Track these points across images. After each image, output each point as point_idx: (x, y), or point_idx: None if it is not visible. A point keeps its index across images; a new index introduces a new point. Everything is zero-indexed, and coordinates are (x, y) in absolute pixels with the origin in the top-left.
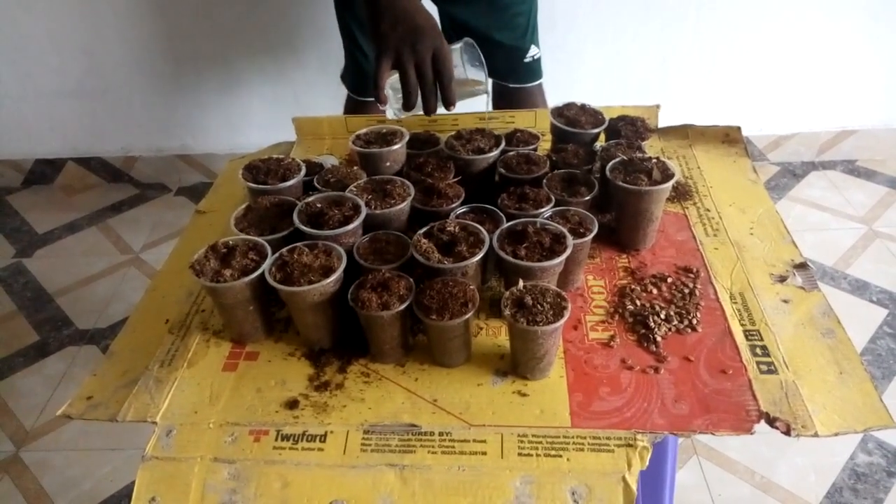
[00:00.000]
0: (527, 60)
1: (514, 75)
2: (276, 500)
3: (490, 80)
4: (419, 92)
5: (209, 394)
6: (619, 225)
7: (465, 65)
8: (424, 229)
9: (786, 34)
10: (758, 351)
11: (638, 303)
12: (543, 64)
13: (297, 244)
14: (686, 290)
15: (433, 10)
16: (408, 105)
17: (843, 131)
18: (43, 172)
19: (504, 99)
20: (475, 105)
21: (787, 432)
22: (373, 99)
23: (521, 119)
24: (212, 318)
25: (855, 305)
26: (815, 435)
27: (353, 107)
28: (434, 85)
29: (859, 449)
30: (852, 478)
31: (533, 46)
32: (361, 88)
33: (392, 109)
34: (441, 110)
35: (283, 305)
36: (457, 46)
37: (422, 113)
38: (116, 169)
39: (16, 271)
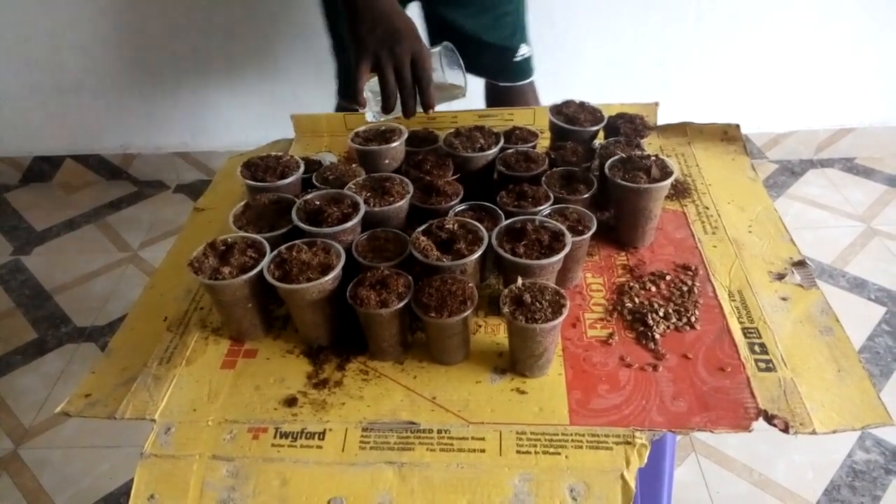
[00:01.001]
0: (517, 59)
1: (504, 74)
2: (274, 498)
3: (467, 84)
4: (398, 95)
5: (208, 391)
6: (618, 223)
7: (444, 68)
8: (423, 227)
9: (784, 32)
10: (756, 348)
11: (636, 300)
12: (543, 62)
13: (296, 242)
14: (685, 288)
15: (420, 12)
16: (386, 108)
17: (841, 129)
18: (41, 170)
19: (496, 98)
20: (461, 104)
21: (786, 430)
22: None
23: (519, 117)
24: (210, 315)
25: (853, 303)
26: (814, 432)
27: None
28: (413, 88)
29: (857, 446)
30: (850, 475)
31: (523, 45)
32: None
33: (371, 112)
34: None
35: (281, 303)
36: (436, 50)
37: (401, 115)
38: (115, 166)
39: (14, 269)
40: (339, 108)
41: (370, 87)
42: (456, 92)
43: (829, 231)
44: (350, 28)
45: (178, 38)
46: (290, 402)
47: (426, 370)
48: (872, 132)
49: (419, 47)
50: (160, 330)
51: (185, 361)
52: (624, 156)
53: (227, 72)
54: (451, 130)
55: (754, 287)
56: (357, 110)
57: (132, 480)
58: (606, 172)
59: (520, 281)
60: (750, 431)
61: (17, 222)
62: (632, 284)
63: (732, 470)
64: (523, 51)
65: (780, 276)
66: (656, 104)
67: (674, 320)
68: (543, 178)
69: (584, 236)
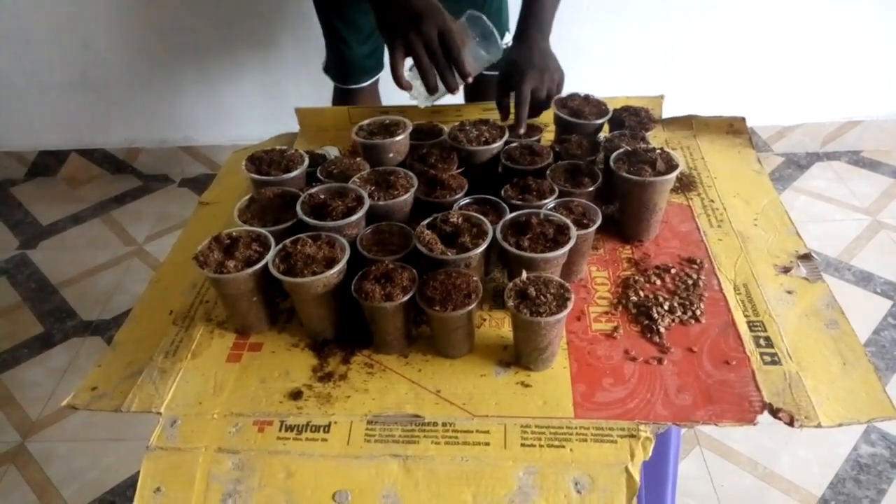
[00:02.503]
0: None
1: None
2: (279, 491)
3: (501, 45)
4: (436, 72)
5: (213, 384)
6: (623, 216)
7: (474, 36)
8: (428, 220)
9: (791, 24)
10: (761, 342)
11: (641, 294)
12: None
13: (301, 235)
14: (689, 281)
15: None
16: (428, 86)
17: (848, 122)
18: (47, 164)
19: (477, 87)
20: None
21: (791, 423)
22: (358, 86)
23: None
24: (216, 309)
25: (859, 296)
26: (819, 426)
27: (340, 96)
28: (447, 61)
29: (862, 440)
30: (855, 469)
31: (507, 34)
32: (347, 76)
33: (420, 97)
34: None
35: (286, 296)
36: (461, 21)
37: (449, 94)
38: (120, 161)
39: (20, 263)
40: (335, 95)
41: (410, 72)
42: (489, 56)
43: (835, 224)
44: (377, 20)
45: (183, 32)
46: (296, 395)
47: (431, 363)
48: (879, 125)
49: (443, 21)
50: (166, 323)
51: (190, 355)
52: (629, 149)
53: (231, 66)
54: (456, 124)
55: (760, 280)
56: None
57: (138, 473)
58: (611, 165)
59: (524, 274)
60: (755, 425)
61: (22, 216)
62: (637, 278)
63: (737, 463)
64: (506, 39)
65: (786, 270)
66: (662, 97)
67: (679, 314)
68: (548, 172)
69: (589, 230)
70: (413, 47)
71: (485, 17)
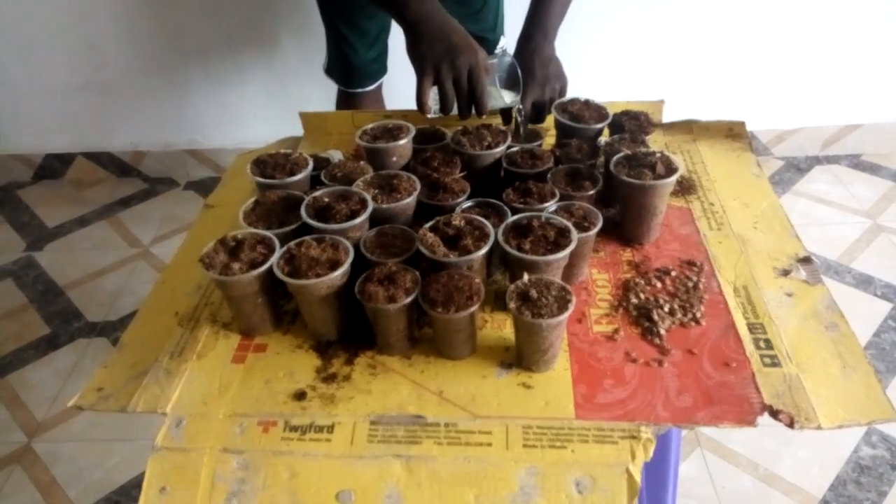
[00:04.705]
0: (497, 52)
1: None
2: (283, 491)
3: (521, 91)
4: (455, 102)
5: (218, 385)
6: (624, 219)
7: (499, 76)
8: (430, 223)
9: (790, 28)
10: (761, 344)
11: (642, 296)
12: None
13: (305, 238)
14: (690, 284)
15: None
16: (443, 111)
17: (847, 126)
18: (53, 167)
19: None
20: None
21: (791, 425)
22: (362, 90)
23: None
24: (221, 310)
25: (859, 299)
26: (819, 427)
27: (344, 99)
28: (468, 96)
29: (863, 442)
30: (856, 471)
31: (502, 38)
32: (351, 80)
33: (432, 111)
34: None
35: (290, 298)
36: (493, 61)
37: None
38: (125, 164)
39: (26, 265)
40: (340, 97)
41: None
42: (509, 101)
43: (835, 227)
44: (411, 47)
45: (188, 36)
46: (300, 395)
47: (433, 365)
48: (879, 128)
49: (475, 60)
50: (171, 325)
51: (195, 356)
52: (629, 153)
53: (236, 70)
54: (459, 128)
55: (759, 283)
56: (356, 92)
57: (144, 473)
58: (612, 169)
59: (526, 277)
60: (755, 426)
61: (29, 219)
62: (637, 280)
63: (738, 465)
64: (502, 43)
65: (786, 272)
66: (662, 102)
67: (679, 316)
68: (549, 176)
69: (590, 233)
70: (441, 77)
71: (515, 62)
